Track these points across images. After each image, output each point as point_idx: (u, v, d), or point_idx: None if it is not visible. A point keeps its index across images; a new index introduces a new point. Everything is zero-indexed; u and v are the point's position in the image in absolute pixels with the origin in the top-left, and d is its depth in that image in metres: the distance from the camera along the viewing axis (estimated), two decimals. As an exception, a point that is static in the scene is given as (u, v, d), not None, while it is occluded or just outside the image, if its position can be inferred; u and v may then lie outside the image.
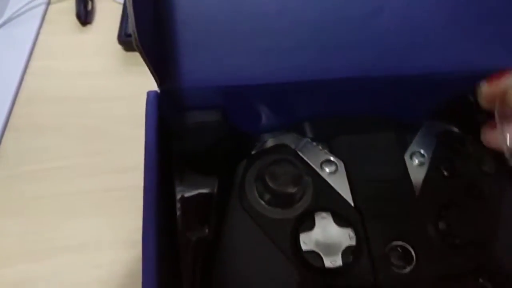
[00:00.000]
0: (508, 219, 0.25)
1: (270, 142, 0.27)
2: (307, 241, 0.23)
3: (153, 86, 0.36)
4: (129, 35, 0.45)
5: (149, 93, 0.26)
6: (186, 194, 0.25)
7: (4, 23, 0.47)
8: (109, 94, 0.43)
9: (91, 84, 0.43)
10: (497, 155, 0.27)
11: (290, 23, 0.27)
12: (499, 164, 0.27)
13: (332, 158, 0.26)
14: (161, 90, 0.26)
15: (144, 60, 0.23)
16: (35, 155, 0.38)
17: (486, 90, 0.23)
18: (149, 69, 0.23)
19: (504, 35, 0.29)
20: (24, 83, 0.43)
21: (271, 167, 0.24)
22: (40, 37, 0.47)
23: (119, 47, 0.46)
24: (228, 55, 0.27)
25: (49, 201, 0.35)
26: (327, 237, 0.23)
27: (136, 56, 0.45)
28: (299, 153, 0.26)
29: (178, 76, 0.27)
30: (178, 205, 0.25)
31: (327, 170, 0.25)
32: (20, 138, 0.39)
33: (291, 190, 0.23)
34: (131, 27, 0.19)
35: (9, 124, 0.40)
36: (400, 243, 0.24)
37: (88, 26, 0.49)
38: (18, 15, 0.48)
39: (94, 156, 0.38)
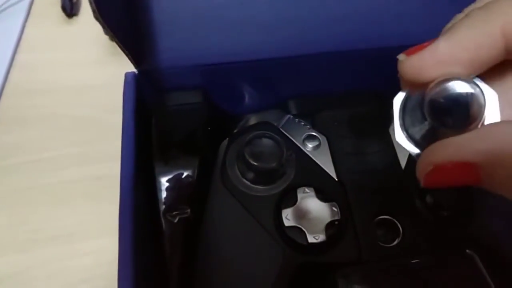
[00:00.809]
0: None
1: (252, 120, 0.26)
2: (290, 217, 0.22)
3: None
4: (115, 25, 0.44)
5: (126, 74, 0.26)
6: (167, 176, 0.25)
7: (-11, 17, 0.46)
8: (96, 84, 0.42)
9: (78, 75, 0.43)
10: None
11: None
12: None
13: (314, 133, 0.25)
14: (139, 71, 0.26)
15: (114, 39, 0.22)
16: (23, 147, 0.37)
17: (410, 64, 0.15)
18: (120, 47, 0.22)
19: None
20: (10, 76, 0.42)
21: (252, 144, 0.24)
22: (26, 30, 0.47)
23: (105, 37, 0.46)
24: (207, 33, 0.26)
25: (37, 192, 0.35)
26: (310, 212, 0.22)
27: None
28: (282, 130, 0.25)
29: (156, 56, 0.26)
30: (159, 187, 0.25)
31: (310, 145, 0.25)
32: (6, 131, 0.38)
33: (272, 166, 0.23)
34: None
35: (-5, 117, 0.39)
36: (386, 217, 0.23)
37: (74, 18, 0.49)
38: (4, 9, 0.47)
39: (82, 145, 0.38)
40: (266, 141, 0.24)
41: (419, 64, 0.14)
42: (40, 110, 0.40)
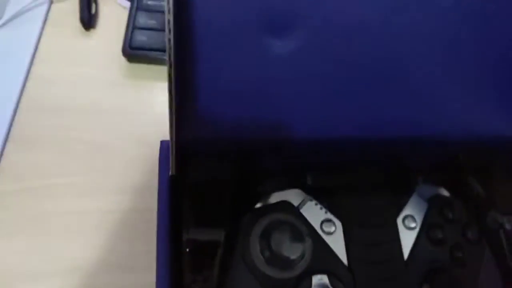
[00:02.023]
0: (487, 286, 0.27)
1: (274, 198, 0.28)
2: (304, 302, 0.25)
3: (157, 105, 0.36)
4: (134, 48, 0.45)
5: (162, 143, 0.27)
6: (192, 244, 0.27)
7: (4, 24, 0.46)
8: (111, 107, 0.43)
9: (94, 95, 0.44)
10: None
11: (299, 83, 0.28)
12: (483, 232, 0.29)
13: (331, 219, 0.27)
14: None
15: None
16: (36, 170, 0.38)
17: None
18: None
19: (505, 102, 0.30)
20: (25, 90, 0.43)
21: (274, 228, 0.26)
22: (42, 39, 0.47)
23: (121, 56, 0.46)
24: (235, 111, 0.28)
25: (48, 220, 0.36)
26: (323, 299, 0.25)
27: (140, 68, 0.46)
28: (301, 211, 0.28)
29: (191, 126, 0.28)
30: (183, 254, 0.26)
31: (326, 230, 0.27)
32: (22, 150, 0.39)
33: (292, 256, 0.25)
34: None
35: (10, 134, 0.40)
36: (388, 305, 0.26)
37: (92, 30, 0.49)
38: (19, 16, 0.47)
39: (94, 174, 0.39)
40: (288, 227, 0.26)
41: None
42: (55, 130, 0.41)
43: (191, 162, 0.28)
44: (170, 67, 0.22)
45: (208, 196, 0.28)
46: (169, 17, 0.21)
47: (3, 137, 0.39)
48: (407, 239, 0.28)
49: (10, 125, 0.40)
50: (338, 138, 0.29)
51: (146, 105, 0.43)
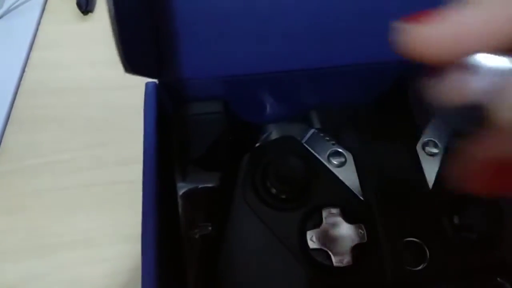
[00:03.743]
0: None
1: (275, 133, 0.26)
2: (315, 238, 0.22)
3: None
4: (131, 23, 0.44)
5: (147, 84, 0.25)
6: (188, 190, 0.24)
7: (4, 14, 0.46)
8: (111, 85, 0.42)
9: (93, 75, 0.43)
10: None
11: (292, 9, 0.26)
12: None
13: (340, 150, 0.24)
14: (160, 82, 0.25)
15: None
16: (38, 148, 0.37)
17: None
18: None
19: None
20: (25, 74, 0.42)
21: (276, 161, 0.23)
22: (41, 27, 0.46)
23: (121, 35, 0.45)
24: (228, 44, 0.25)
25: (52, 195, 0.35)
26: (336, 234, 0.22)
27: (137, 46, 0.43)
28: (306, 145, 0.25)
29: (178, 67, 0.26)
30: (180, 201, 0.24)
31: (335, 162, 0.24)
32: (22, 131, 0.38)
33: (297, 186, 0.22)
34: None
35: (11, 117, 0.39)
36: (412, 239, 0.23)
37: (90, 14, 0.48)
38: (19, 5, 0.47)
39: (96, 148, 0.37)
40: (291, 159, 0.23)
41: (438, 36, 0.11)
42: (55, 110, 0.40)
43: (181, 106, 0.26)
44: None
45: (202, 142, 0.26)
46: None
47: (3, 119, 0.38)
48: (430, 166, 0.24)
49: (11, 107, 0.39)
50: (340, 67, 0.26)
51: (144, 80, 0.42)
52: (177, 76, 0.25)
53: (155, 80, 0.25)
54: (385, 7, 0.26)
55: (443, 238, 0.23)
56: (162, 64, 0.25)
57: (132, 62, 0.20)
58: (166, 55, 0.26)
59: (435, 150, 0.25)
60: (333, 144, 0.25)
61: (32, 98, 0.40)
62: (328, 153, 0.24)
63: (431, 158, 0.25)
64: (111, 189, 0.35)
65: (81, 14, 0.47)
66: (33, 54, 0.44)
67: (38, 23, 0.46)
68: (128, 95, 0.41)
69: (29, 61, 0.43)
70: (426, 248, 0.22)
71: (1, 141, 0.37)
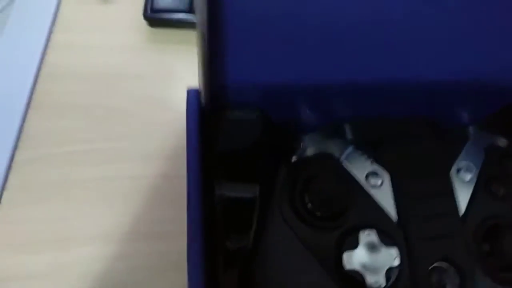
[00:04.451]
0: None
1: (311, 147, 0.26)
2: (351, 260, 0.22)
3: (182, 69, 0.35)
4: (155, 11, 0.43)
5: (189, 92, 0.25)
6: (226, 199, 0.24)
7: (23, -9, 0.45)
8: (133, 73, 0.41)
9: (115, 61, 0.42)
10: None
11: (335, 22, 0.25)
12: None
13: (378, 170, 0.25)
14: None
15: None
16: (58, 136, 0.37)
17: None
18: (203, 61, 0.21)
19: None
20: (46, 57, 0.41)
21: (314, 181, 0.23)
22: (61, 9, 0.45)
23: (144, 22, 0.44)
24: (268, 54, 0.25)
25: (72, 186, 0.34)
26: (371, 256, 0.22)
27: (162, 33, 0.43)
28: (343, 163, 0.25)
29: (219, 73, 0.25)
30: (217, 210, 0.24)
31: (373, 183, 0.24)
32: (43, 117, 0.38)
33: (335, 207, 0.22)
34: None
35: (32, 101, 0.38)
36: (444, 263, 0.23)
37: (111, -3, 0.47)
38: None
39: (118, 140, 0.37)
40: (330, 179, 0.23)
41: None
42: (75, 97, 0.39)
43: (222, 113, 0.26)
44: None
45: (240, 150, 0.26)
46: None
47: (24, 105, 0.37)
48: (463, 192, 0.25)
49: (32, 92, 0.39)
50: (379, 83, 0.26)
51: (169, 69, 0.41)
52: (218, 82, 0.25)
53: (195, 87, 0.25)
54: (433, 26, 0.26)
55: (474, 263, 0.23)
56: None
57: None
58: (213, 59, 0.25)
59: (468, 177, 0.25)
60: (371, 163, 0.25)
61: (53, 83, 0.40)
62: (366, 173, 0.25)
63: (464, 184, 0.25)
64: (131, 183, 0.35)
65: (103, -4, 0.46)
66: (54, 36, 0.43)
67: (59, 3, 0.45)
68: (150, 85, 0.40)
69: (49, 43, 0.42)
70: (457, 273, 0.23)
71: (23, 127, 0.37)
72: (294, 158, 0.26)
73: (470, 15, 0.26)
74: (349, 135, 0.27)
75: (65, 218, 0.33)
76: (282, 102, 0.27)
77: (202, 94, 0.24)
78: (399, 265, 0.22)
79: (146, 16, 0.43)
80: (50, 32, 0.43)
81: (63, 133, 0.37)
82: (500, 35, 0.26)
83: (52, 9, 0.44)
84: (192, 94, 0.25)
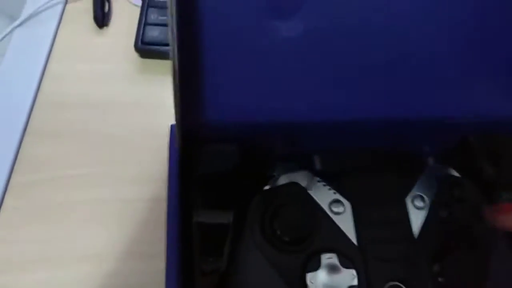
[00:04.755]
0: (499, 268, 0.27)
1: (282, 179, 0.29)
2: (313, 280, 0.25)
3: (170, 98, 0.37)
4: (146, 43, 0.46)
5: (172, 127, 0.28)
6: (203, 225, 0.27)
7: (22, 23, 0.48)
8: (126, 102, 0.44)
9: (108, 89, 0.45)
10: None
11: (307, 64, 0.29)
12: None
13: (340, 199, 0.28)
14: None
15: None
16: (53, 161, 0.39)
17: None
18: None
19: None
20: (42, 86, 0.44)
21: (283, 209, 0.26)
22: (58, 38, 0.48)
23: (133, 52, 0.47)
24: (244, 93, 0.28)
25: (67, 209, 0.37)
26: (332, 277, 0.25)
27: (153, 64, 0.46)
28: (310, 192, 0.28)
29: (199, 110, 0.28)
30: (195, 235, 0.27)
31: (335, 210, 0.27)
32: (38, 143, 0.40)
33: (301, 233, 0.25)
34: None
35: (28, 128, 0.41)
36: (396, 283, 0.26)
37: (105, 28, 0.50)
38: (36, 15, 0.49)
39: (111, 165, 0.40)
40: (297, 207, 0.26)
41: None
42: (71, 124, 0.42)
43: (200, 147, 0.29)
44: (173, 54, 0.23)
45: (217, 180, 0.29)
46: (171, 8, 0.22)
47: (21, 130, 0.40)
48: (417, 218, 0.28)
49: (28, 119, 0.41)
50: (347, 121, 0.29)
51: (158, 98, 0.44)
52: (199, 120, 0.28)
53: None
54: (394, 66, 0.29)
55: (424, 284, 0.26)
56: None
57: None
58: (187, 98, 0.28)
59: (422, 204, 0.28)
60: (334, 193, 0.28)
61: (49, 110, 0.42)
62: (329, 201, 0.28)
63: (418, 211, 0.28)
64: (124, 206, 0.37)
65: (97, 27, 0.49)
66: (50, 65, 0.45)
67: (55, 34, 0.48)
68: (141, 114, 0.43)
69: (46, 72, 0.45)
70: (408, 293, 0.26)
71: (18, 152, 0.39)
72: (266, 187, 0.29)
73: (430, 56, 0.29)
74: (317, 165, 0.30)
75: (57, 239, 0.35)
76: (257, 136, 0.30)
77: (176, 130, 0.27)
78: (358, 285, 0.25)
79: (137, 48, 0.46)
80: (47, 62, 0.45)
81: (57, 158, 0.39)
82: (461, 78, 0.30)
83: (48, 41, 0.47)
84: (174, 130, 0.28)
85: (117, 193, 0.38)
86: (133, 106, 0.44)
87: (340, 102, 0.29)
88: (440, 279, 0.27)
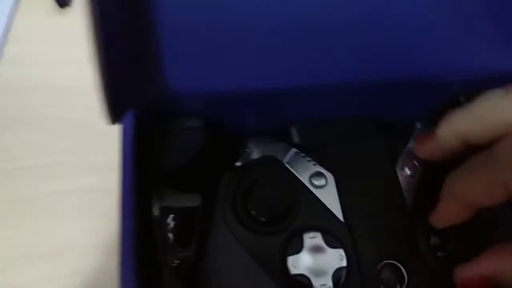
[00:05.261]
0: (502, 229, 0.24)
1: (256, 152, 0.25)
2: (296, 264, 0.22)
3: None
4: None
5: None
6: (166, 212, 0.24)
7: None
8: (89, 84, 0.40)
9: (70, 73, 0.41)
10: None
11: (275, 26, 0.25)
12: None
13: (321, 171, 0.24)
14: (140, 99, 0.24)
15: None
16: (10, 152, 0.36)
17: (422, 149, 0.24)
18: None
19: (505, 35, 0.27)
20: (-2, 70, 0.40)
21: (257, 184, 0.23)
22: (15, 20, 0.44)
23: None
24: (208, 61, 0.25)
25: (25, 203, 0.34)
26: (317, 259, 0.22)
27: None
28: (287, 165, 0.25)
29: (158, 84, 0.25)
30: (157, 223, 0.24)
31: (317, 183, 0.24)
32: (-4, 132, 0.37)
33: (278, 211, 0.22)
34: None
35: (-19, 117, 0.37)
36: (391, 261, 0.23)
37: (67, 8, 0.46)
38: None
39: (72, 154, 0.36)
40: (272, 181, 0.23)
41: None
42: (30, 111, 0.38)
43: (159, 125, 0.25)
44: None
45: (181, 160, 0.25)
46: None
47: (-26, 120, 0.36)
48: (409, 187, 0.25)
49: (-19, 107, 0.38)
50: (324, 87, 0.26)
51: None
52: (157, 94, 0.24)
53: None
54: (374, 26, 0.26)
55: (421, 258, 0.23)
56: (142, 83, 0.24)
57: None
58: (146, 73, 0.25)
59: (413, 171, 0.25)
60: (314, 165, 0.25)
61: (5, 97, 0.39)
62: (309, 174, 0.24)
63: (410, 178, 0.25)
64: (86, 197, 0.34)
65: (58, 8, 0.46)
66: (6, 49, 0.42)
67: (12, 15, 0.44)
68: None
69: (1, 56, 0.41)
70: (404, 270, 0.23)
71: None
72: (238, 163, 0.25)
73: (415, 16, 0.26)
74: (295, 138, 0.27)
75: (17, 235, 0.32)
76: (226, 108, 0.27)
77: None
78: (347, 266, 0.22)
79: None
80: (3, 45, 0.42)
81: (16, 148, 0.36)
82: (443, 35, 0.26)
83: (3, 22, 0.43)
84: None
85: (79, 182, 0.34)
86: (95, 90, 0.40)
87: (314, 65, 0.26)
88: (439, 254, 0.24)
